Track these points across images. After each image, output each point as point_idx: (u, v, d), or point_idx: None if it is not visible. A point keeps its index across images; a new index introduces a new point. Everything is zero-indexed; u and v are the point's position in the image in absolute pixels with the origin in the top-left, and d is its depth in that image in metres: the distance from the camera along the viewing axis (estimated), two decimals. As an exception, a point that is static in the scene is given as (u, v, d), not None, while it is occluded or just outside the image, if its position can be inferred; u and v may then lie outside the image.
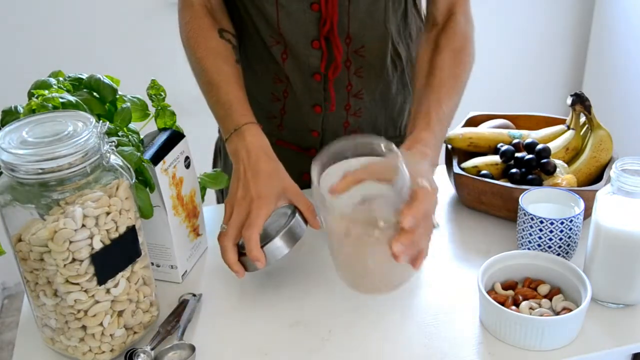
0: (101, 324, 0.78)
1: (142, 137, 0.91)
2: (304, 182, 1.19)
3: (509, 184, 1.01)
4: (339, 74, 1.05)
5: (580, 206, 0.92)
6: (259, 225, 0.86)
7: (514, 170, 1.03)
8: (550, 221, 0.90)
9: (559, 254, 0.92)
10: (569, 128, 1.10)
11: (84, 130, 0.74)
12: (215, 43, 1.01)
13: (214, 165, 1.32)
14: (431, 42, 1.01)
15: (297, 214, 0.90)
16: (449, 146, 1.12)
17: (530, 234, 0.92)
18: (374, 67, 1.08)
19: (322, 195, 0.78)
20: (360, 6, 1.00)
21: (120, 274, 0.78)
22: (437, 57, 0.98)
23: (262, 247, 0.86)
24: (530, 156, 1.03)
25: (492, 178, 1.04)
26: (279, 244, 0.87)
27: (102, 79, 0.91)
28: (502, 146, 1.08)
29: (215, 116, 0.99)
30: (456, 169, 1.05)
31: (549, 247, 0.92)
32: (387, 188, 0.79)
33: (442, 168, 1.11)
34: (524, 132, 1.12)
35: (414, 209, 0.76)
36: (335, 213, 0.78)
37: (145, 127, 0.95)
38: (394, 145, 0.79)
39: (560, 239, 0.91)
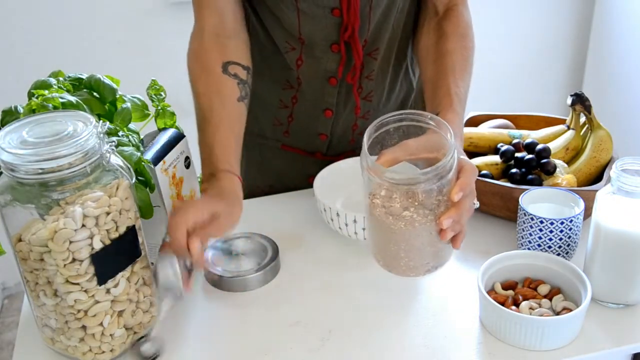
0: (101, 324, 0.78)
1: (142, 137, 0.91)
2: (310, 185, 1.19)
3: (509, 184, 1.01)
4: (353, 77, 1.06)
5: (580, 206, 0.92)
6: (185, 219, 0.81)
7: (514, 170, 1.03)
8: (550, 221, 0.90)
9: (559, 254, 0.92)
10: (569, 128, 1.10)
11: (84, 130, 0.74)
12: (216, 79, 0.97)
13: None
14: (435, 30, 1.03)
15: (276, 259, 0.96)
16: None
17: (530, 234, 0.92)
18: (384, 68, 1.08)
19: (368, 165, 0.77)
20: (378, 10, 1.01)
21: (120, 274, 0.78)
22: (445, 43, 0.99)
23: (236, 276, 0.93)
24: (530, 156, 1.03)
25: (492, 178, 1.04)
26: (259, 278, 0.94)
27: (102, 79, 0.91)
28: (502, 146, 1.08)
29: (200, 157, 0.94)
30: (456, 169, 1.05)
31: (549, 247, 0.92)
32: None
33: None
34: (524, 132, 1.12)
35: (462, 183, 0.77)
36: (379, 186, 0.78)
37: (145, 127, 0.95)
38: (439, 118, 0.80)
39: (560, 239, 0.91)
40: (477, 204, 0.83)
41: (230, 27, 0.99)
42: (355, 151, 1.17)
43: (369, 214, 0.80)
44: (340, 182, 1.06)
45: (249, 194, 1.23)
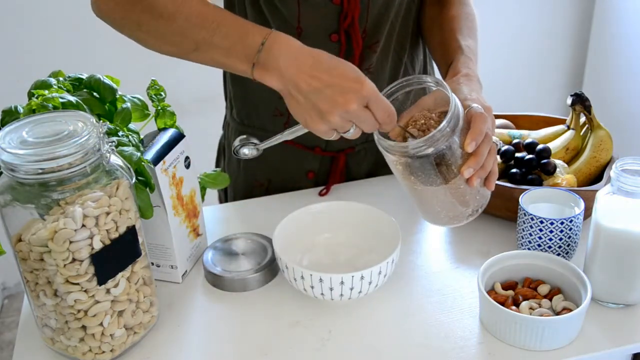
0: (101, 324, 0.78)
1: (142, 137, 0.91)
2: (309, 180, 1.19)
3: (509, 184, 1.00)
4: None
5: (580, 206, 0.92)
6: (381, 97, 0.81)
7: (514, 170, 1.03)
8: (550, 221, 0.90)
9: (559, 254, 0.92)
10: (569, 128, 1.10)
11: (84, 130, 0.74)
12: None
13: (217, 165, 1.32)
14: (435, 7, 1.09)
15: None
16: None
17: (530, 234, 0.92)
18: (382, 61, 1.09)
19: (382, 140, 0.83)
20: (377, 1, 1.02)
21: (120, 274, 0.78)
22: (450, 10, 1.06)
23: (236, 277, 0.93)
24: (530, 156, 1.03)
25: (492, 178, 1.04)
26: (259, 278, 0.94)
27: (102, 79, 0.91)
28: (502, 146, 1.07)
29: (226, 46, 0.84)
30: (456, 169, 1.05)
31: (549, 247, 0.92)
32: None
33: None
34: (524, 132, 1.12)
35: (473, 133, 0.81)
36: (399, 156, 0.83)
37: (145, 127, 0.95)
38: (440, 78, 0.85)
39: (560, 239, 0.91)
40: (499, 144, 0.88)
41: None
42: (354, 148, 1.17)
43: (401, 183, 0.86)
44: (302, 232, 0.96)
45: (247, 188, 1.23)
